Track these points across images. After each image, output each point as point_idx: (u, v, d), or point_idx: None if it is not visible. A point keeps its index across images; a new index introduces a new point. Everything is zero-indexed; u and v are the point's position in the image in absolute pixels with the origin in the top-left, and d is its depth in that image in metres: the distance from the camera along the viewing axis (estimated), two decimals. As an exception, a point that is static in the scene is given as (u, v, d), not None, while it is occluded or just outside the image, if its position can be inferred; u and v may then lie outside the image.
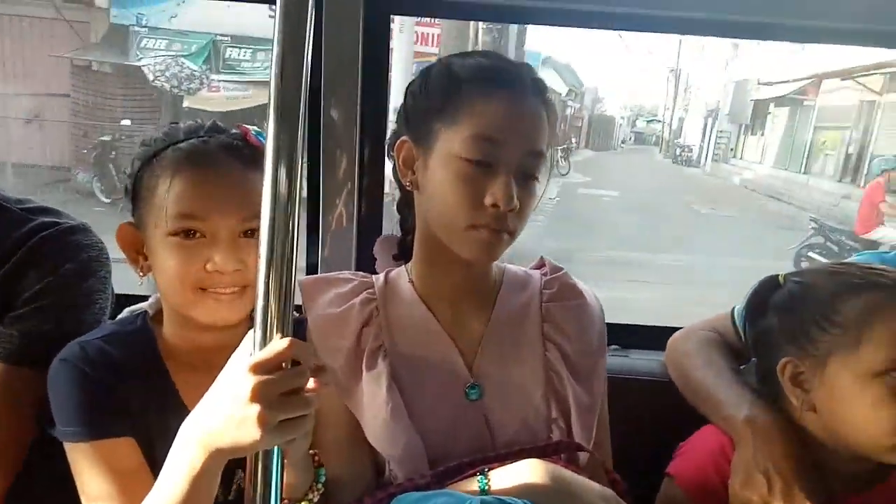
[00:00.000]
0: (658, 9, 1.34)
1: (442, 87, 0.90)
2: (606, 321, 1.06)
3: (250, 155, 0.90)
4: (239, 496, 0.91)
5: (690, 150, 28.08)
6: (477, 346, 0.97)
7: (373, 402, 0.90)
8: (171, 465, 0.72)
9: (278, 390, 0.63)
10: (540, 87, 0.91)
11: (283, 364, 0.64)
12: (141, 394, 0.89)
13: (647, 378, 1.30)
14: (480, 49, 1.00)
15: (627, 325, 1.48)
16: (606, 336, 1.06)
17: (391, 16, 1.35)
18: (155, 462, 0.86)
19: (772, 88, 21.55)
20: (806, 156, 21.79)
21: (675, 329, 1.27)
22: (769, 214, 14.06)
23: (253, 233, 0.87)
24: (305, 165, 0.63)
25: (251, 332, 0.65)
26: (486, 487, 0.82)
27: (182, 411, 0.87)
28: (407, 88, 0.97)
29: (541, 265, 1.09)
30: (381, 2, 1.31)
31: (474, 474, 0.84)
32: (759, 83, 21.24)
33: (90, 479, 0.83)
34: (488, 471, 0.84)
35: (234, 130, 0.94)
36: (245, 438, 0.63)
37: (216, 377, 0.73)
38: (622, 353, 1.41)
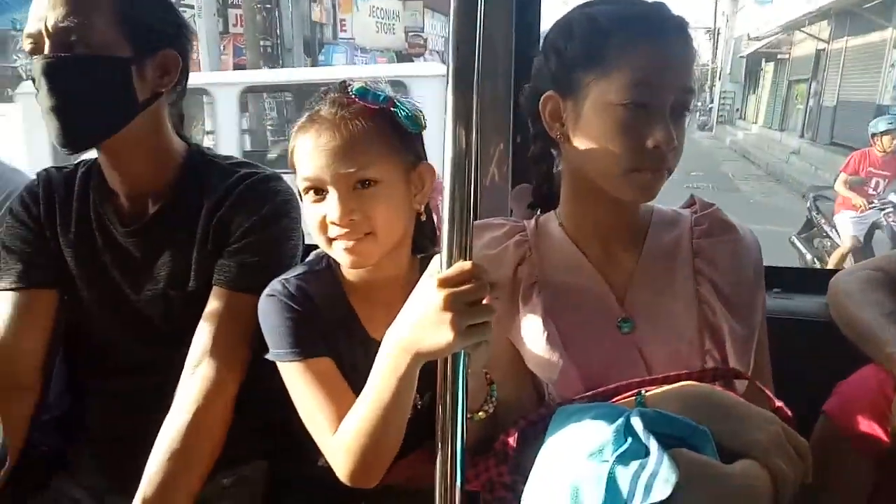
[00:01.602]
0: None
1: (589, 39, 0.93)
2: (769, 265, 1.07)
3: (361, 110, 0.96)
4: (417, 414, 1.02)
5: (706, 114, 25.37)
6: (627, 281, 1.01)
7: (530, 332, 0.98)
8: (377, 371, 0.85)
9: (466, 300, 0.74)
10: (681, 25, 0.93)
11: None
12: (330, 323, 1.02)
13: (810, 319, 1.29)
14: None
15: (791, 268, 1.45)
16: (764, 271, 1.06)
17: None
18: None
19: (759, 43, 19.04)
20: (781, 111, 19.93)
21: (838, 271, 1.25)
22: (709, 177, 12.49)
23: (368, 183, 0.95)
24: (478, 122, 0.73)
25: (436, 257, 0.78)
26: (644, 405, 0.85)
27: (364, 338, 1.03)
28: (544, 46, 1.01)
29: (691, 203, 1.11)
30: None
31: (631, 395, 0.89)
32: (748, 38, 18.79)
33: (303, 392, 0.97)
34: (645, 392, 0.88)
35: (355, 86, 0.99)
36: (441, 340, 0.75)
37: (391, 308, 0.85)
38: (785, 296, 1.40)
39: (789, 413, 0.92)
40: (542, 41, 1.04)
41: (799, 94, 18.50)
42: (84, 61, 1.05)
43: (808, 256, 5.85)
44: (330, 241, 0.98)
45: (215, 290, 1.13)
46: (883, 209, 5.43)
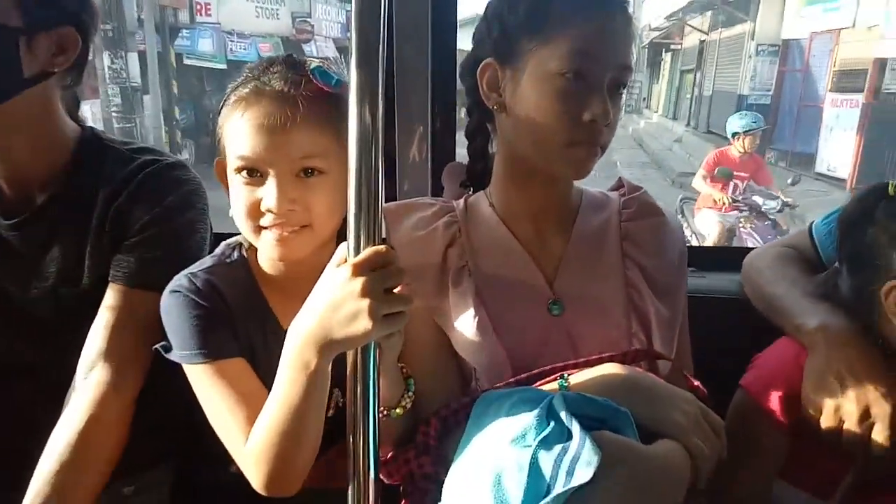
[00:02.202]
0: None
1: (531, 8, 0.91)
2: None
3: (313, 92, 0.89)
4: (338, 413, 0.98)
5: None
6: (557, 263, 1.00)
7: (460, 316, 0.96)
8: (284, 369, 0.79)
9: (383, 286, 0.71)
10: (625, 3, 0.93)
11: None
12: (243, 319, 0.96)
13: (724, 297, 1.33)
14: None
15: (704, 247, 1.49)
16: (687, 255, 1.07)
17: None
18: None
19: (656, 34, 20.48)
20: (673, 101, 21.84)
21: (751, 250, 1.29)
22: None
23: (312, 172, 0.89)
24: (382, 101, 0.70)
25: (342, 245, 0.73)
26: (567, 390, 0.85)
27: (279, 333, 0.94)
28: (486, 13, 0.98)
29: (619, 186, 1.11)
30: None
31: (554, 379, 0.89)
32: (649, 29, 19.65)
33: (213, 397, 0.90)
34: (568, 375, 0.88)
35: (312, 65, 0.93)
36: (358, 329, 0.71)
37: (307, 297, 0.78)
38: (699, 275, 1.44)
39: (705, 391, 0.95)
40: (483, 12, 1.00)
41: (688, 84, 19.50)
42: None
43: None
44: (259, 229, 0.91)
45: (112, 287, 1.04)
46: (742, 212, 4.99)
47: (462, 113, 1.17)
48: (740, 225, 4.98)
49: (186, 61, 11.88)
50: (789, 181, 5.71)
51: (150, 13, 10.32)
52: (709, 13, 16.48)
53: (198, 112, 11.94)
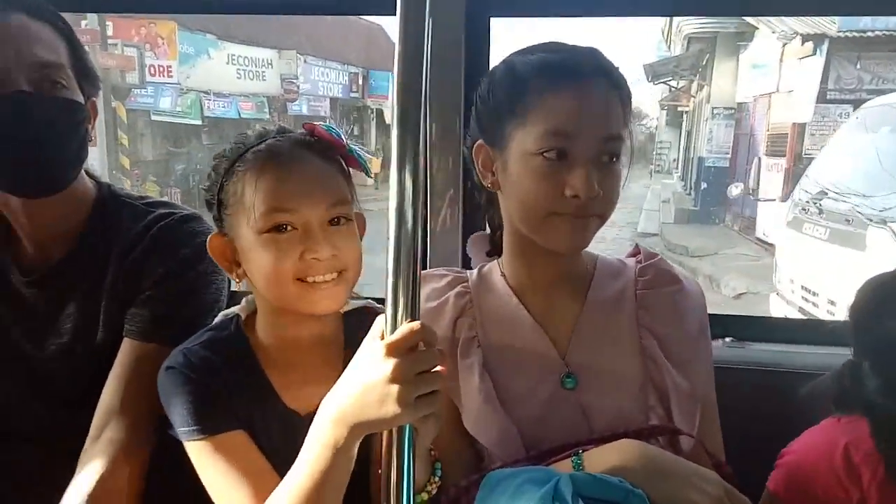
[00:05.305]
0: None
1: (508, 89, 0.92)
2: (722, 313, 1.04)
3: (323, 148, 0.94)
4: None
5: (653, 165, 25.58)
6: (570, 335, 0.97)
7: (467, 390, 0.94)
8: (311, 443, 0.77)
9: (415, 370, 0.68)
10: (607, 70, 0.91)
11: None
12: (241, 394, 0.93)
13: (763, 368, 1.28)
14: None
15: (743, 316, 1.44)
16: (709, 322, 1.03)
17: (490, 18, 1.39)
18: None
19: (666, 95, 20.13)
20: (680, 162, 21.25)
21: (793, 319, 1.24)
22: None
23: (339, 220, 0.91)
24: (426, 164, 0.68)
25: (380, 316, 0.71)
26: (581, 468, 0.82)
27: (279, 407, 0.93)
28: (476, 96, 0.99)
29: (636, 253, 1.08)
30: (482, 5, 1.36)
31: (569, 456, 0.85)
32: (671, 90, 19.30)
33: (213, 472, 0.88)
34: (582, 452, 0.85)
35: (300, 130, 0.97)
36: (387, 414, 0.68)
37: (308, 372, 0.79)
38: (738, 345, 1.38)
39: (730, 470, 0.90)
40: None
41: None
42: (63, 102, 1.01)
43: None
44: (299, 282, 0.89)
45: (126, 343, 1.04)
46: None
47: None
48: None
49: (154, 117, 12.37)
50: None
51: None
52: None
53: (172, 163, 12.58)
